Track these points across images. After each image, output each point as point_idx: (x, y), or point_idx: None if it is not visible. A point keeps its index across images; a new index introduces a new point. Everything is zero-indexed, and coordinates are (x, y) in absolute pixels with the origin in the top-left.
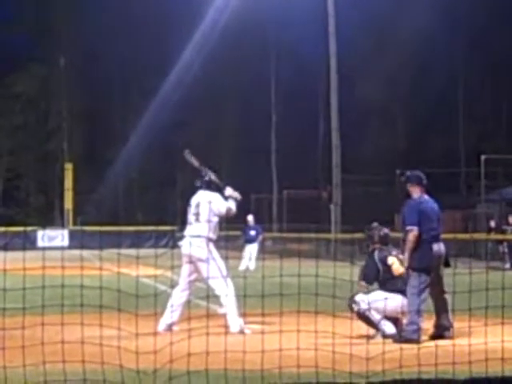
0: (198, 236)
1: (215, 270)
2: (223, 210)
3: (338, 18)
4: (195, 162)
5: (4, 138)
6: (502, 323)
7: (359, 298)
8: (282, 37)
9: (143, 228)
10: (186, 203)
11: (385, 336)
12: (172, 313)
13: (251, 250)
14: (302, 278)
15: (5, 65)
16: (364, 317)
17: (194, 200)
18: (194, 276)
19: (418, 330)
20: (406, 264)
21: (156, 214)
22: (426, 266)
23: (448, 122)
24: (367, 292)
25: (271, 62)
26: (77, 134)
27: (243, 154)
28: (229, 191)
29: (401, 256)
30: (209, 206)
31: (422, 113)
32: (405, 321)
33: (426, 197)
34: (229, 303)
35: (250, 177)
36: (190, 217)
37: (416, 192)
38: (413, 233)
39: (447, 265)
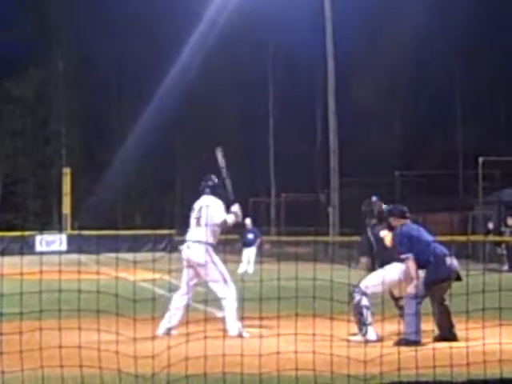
0: (198, 241)
1: (216, 273)
2: (218, 220)
3: (335, 21)
4: (222, 163)
5: (2, 142)
6: (500, 325)
7: (364, 285)
8: (279, 40)
9: (141, 232)
10: (185, 207)
11: (365, 340)
12: (171, 317)
13: (249, 253)
14: (299, 281)
15: (3, 69)
16: (359, 312)
17: (197, 204)
18: (194, 280)
19: (418, 332)
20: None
21: (154, 218)
22: (437, 278)
23: (446, 124)
24: (365, 277)
25: (268, 65)
26: (75, 138)
27: (241, 157)
28: (235, 208)
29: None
30: (208, 210)
31: (420, 115)
32: (402, 325)
33: (407, 221)
34: (229, 306)
35: (248, 180)
36: (192, 221)
37: (399, 224)
38: (410, 260)
39: (459, 279)
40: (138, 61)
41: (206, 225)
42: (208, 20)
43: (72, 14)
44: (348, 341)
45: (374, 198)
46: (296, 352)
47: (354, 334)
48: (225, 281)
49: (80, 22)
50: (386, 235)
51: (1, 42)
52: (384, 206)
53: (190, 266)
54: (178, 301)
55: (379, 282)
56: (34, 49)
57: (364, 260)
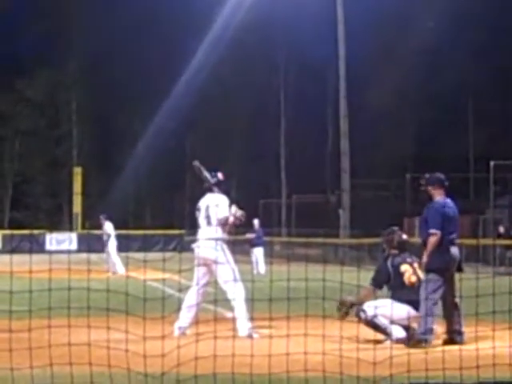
0: (211, 239)
1: (227, 272)
2: (221, 216)
3: (347, 23)
4: (204, 172)
5: (13, 142)
6: (510, 328)
7: (366, 305)
8: (292, 42)
9: (151, 232)
10: (195, 207)
11: (395, 340)
12: (183, 316)
13: (257, 253)
14: (309, 282)
15: (15, 70)
16: (372, 324)
17: (202, 203)
18: (205, 279)
19: (430, 331)
20: (423, 267)
21: (165, 218)
22: (443, 266)
23: (458, 127)
24: (374, 299)
25: (280, 66)
26: (86, 138)
27: (252, 158)
28: (233, 210)
29: (416, 264)
30: (215, 209)
31: (431, 118)
32: (415, 325)
33: (448, 200)
34: (238, 307)
35: (259, 181)
36: (201, 220)
37: (438, 194)
38: (436, 237)
39: (459, 269)
40: (149, 62)
41: (216, 223)
42: (220, 23)
43: (83, 15)
44: (375, 343)
45: (394, 228)
46: (305, 353)
47: (380, 341)
48: (235, 280)
49: (92, 23)
50: (407, 271)
51: (12, 42)
52: (404, 236)
53: (202, 264)
54: (190, 299)
55: (388, 314)
56: (45, 49)
57: (368, 287)
